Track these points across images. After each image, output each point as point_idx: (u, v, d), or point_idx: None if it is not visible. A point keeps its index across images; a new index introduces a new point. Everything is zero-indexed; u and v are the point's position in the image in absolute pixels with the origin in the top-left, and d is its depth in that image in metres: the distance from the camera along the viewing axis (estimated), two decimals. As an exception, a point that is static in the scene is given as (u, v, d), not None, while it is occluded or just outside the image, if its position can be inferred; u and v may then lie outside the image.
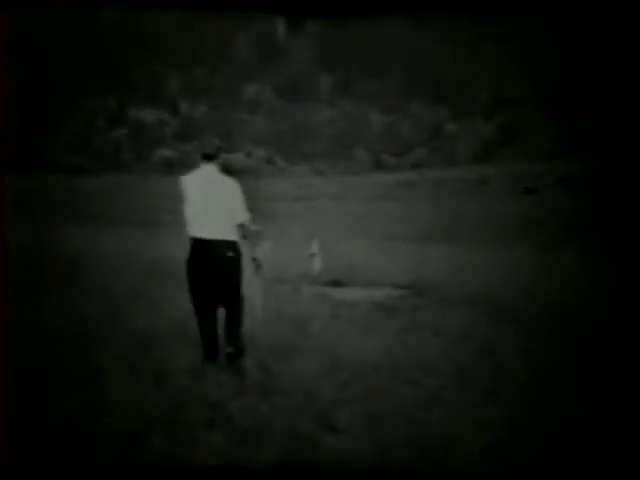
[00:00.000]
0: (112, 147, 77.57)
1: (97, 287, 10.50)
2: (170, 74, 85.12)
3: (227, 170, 6.43)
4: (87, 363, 6.60)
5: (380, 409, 5.74)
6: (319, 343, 7.87)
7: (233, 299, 6.42)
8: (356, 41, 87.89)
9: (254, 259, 7.34)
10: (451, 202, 45.31)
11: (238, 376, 6.33)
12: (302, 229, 21.00)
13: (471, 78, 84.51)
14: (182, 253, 6.57)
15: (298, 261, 14.08)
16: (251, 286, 7.36)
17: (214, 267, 6.22)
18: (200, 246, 6.22)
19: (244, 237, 6.48)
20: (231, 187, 6.31)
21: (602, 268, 15.43)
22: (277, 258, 15.29)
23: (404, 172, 70.42)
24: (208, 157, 6.35)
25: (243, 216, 6.34)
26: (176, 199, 6.48)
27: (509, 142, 79.04)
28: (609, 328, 8.51)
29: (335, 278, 12.74)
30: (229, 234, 6.28)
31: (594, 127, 71.25)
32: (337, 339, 8.05)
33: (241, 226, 6.36)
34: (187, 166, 7.18)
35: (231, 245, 6.29)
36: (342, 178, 67.45)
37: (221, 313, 6.55)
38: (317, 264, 13.30)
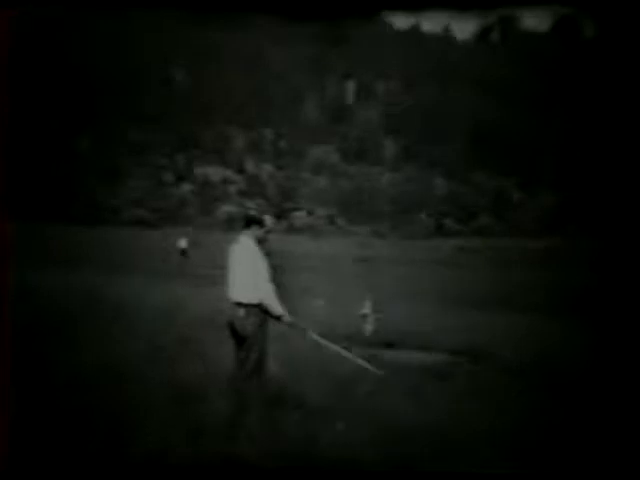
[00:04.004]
0: (177, 202, 79.08)
1: (141, 337, 10.38)
2: (237, 134, 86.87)
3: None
4: (119, 409, 6.42)
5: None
6: (365, 408, 7.48)
7: None
8: (422, 106, 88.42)
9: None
10: (512, 270, 44.40)
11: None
12: (358, 290, 20.63)
13: (538, 146, 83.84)
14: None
15: (350, 321, 13.73)
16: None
17: None
18: None
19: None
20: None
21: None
22: (329, 317, 14.99)
23: (466, 238, 69.69)
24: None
25: None
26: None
27: (575, 214, 77.63)
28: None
29: (387, 340, 12.33)
30: None
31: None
32: (385, 404, 7.63)
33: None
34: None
35: None
36: (402, 241, 67.10)
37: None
38: (369, 325, 12.96)
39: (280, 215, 73.47)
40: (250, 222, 6.88)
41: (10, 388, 5.79)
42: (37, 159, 68.07)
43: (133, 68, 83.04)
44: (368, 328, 12.96)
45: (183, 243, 41.10)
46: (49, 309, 11.99)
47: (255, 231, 6.83)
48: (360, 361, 7.51)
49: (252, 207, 58.32)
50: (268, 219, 6.86)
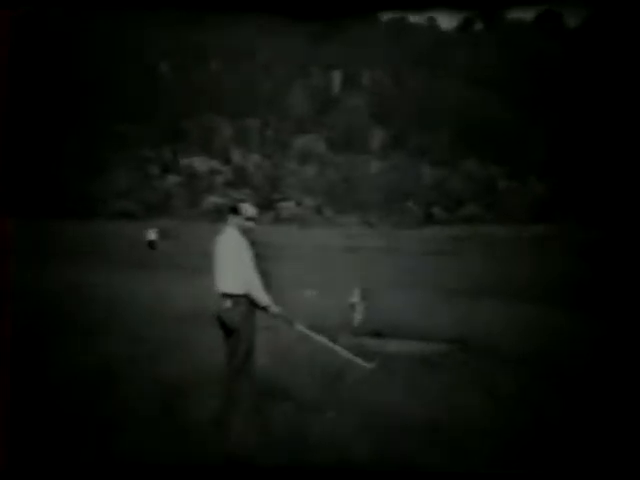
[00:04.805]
0: (163, 194, 78.62)
1: (130, 332, 10.27)
2: (223, 124, 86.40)
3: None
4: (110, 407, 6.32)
5: (417, 475, 5.19)
6: (353, 397, 7.33)
7: None
8: (409, 95, 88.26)
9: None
10: (503, 259, 44.38)
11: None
12: (347, 279, 20.50)
13: (526, 135, 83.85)
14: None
15: (339, 310, 13.59)
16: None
17: None
18: None
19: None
20: None
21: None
22: (319, 306, 14.86)
23: (456, 226, 69.66)
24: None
25: None
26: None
27: (564, 202, 77.74)
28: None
29: (376, 329, 12.16)
30: None
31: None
32: (372, 394, 7.47)
33: None
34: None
35: None
36: (392, 230, 67.01)
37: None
38: (358, 314, 12.78)
39: (267, 205, 73.22)
40: (230, 211, 6.72)
41: (9, 386, 5.68)
42: (28, 155, 67.65)
43: (119, 62, 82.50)
44: (357, 317, 12.79)
45: (152, 235, 39.31)
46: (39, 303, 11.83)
47: (235, 220, 6.60)
48: (348, 355, 7.32)
49: (239, 197, 57.90)
50: (246, 207, 6.62)
